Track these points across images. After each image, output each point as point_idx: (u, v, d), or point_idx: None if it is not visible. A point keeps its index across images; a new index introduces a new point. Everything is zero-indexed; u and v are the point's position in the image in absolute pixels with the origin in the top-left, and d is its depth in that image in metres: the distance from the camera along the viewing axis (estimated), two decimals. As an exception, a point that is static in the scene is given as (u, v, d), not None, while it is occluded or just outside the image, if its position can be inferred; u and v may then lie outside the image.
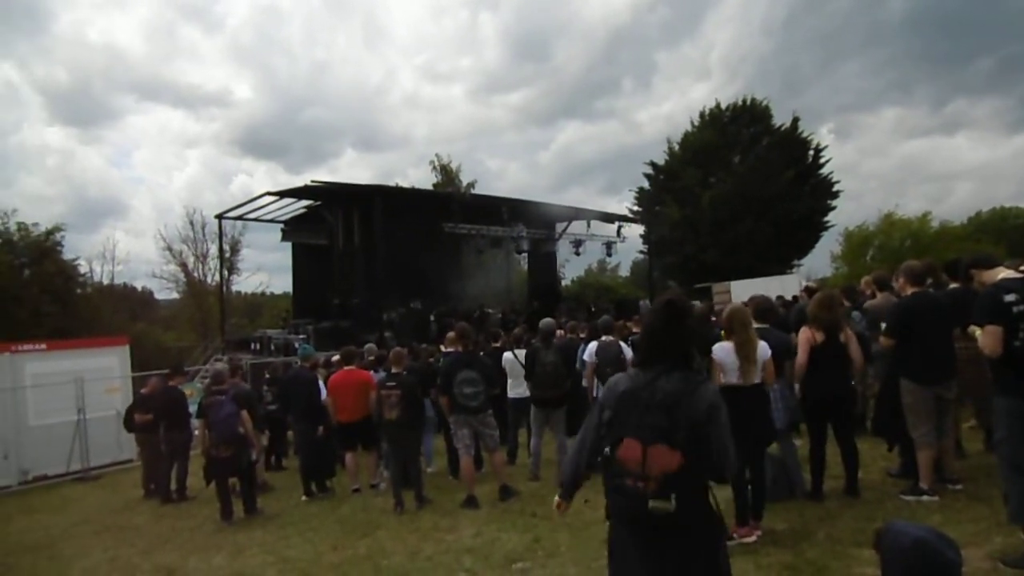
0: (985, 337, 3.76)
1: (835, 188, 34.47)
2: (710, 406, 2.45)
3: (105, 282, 34.87)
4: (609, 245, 26.30)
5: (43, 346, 12.66)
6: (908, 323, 5.04)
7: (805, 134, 34.44)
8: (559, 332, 10.50)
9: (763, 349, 4.83)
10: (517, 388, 7.82)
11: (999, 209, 50.43)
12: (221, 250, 30.25)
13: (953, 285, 5.90)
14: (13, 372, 11.48)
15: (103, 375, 12.34)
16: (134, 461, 11.35)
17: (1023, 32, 70.66)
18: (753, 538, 4.61)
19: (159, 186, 75.32)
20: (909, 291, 5.23)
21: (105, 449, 11.94)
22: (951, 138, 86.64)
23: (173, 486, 8.84)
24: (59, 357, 12.38)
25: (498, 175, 79.52)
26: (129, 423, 9.77)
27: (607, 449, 2.47)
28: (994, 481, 4.87)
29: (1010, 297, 3.69)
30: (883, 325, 5.45)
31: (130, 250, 74.54)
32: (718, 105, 35.49)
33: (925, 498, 5.03)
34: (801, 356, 5.28)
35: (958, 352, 5.26)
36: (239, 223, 28.26)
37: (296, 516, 7.23)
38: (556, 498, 2.90)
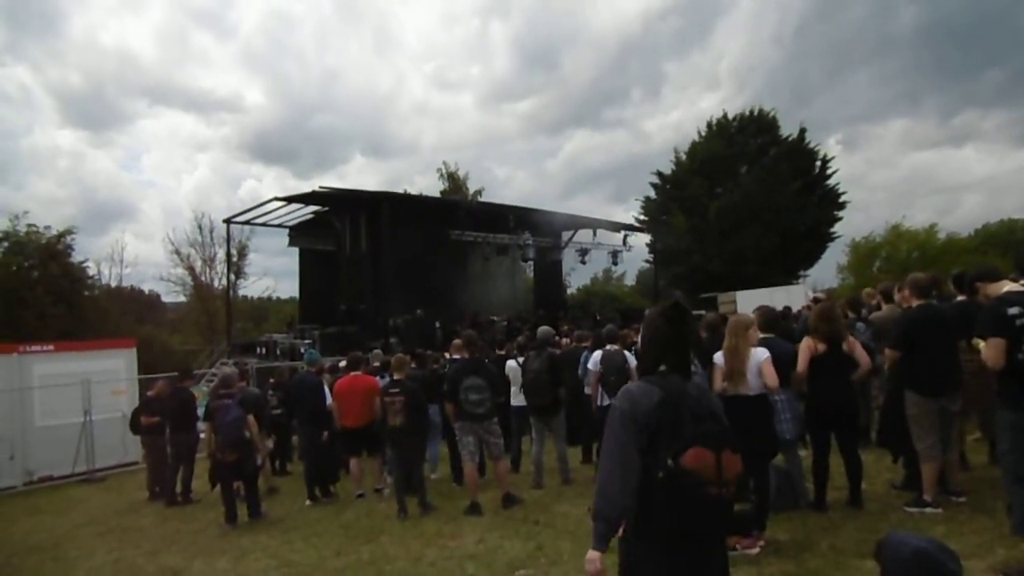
0: (988, 350, 3.77)
1: (842, 199, 34.47)
2: (721, 412, 2.53)
3: (113, 284, 35.02)
4: (615, 254, 26.34)
5: (51, 347, 12.73)
6: (913, 336, 5.05)
7: (812, 145, 34.50)
8: (564, 341, 10.55)
9: (756, 355, 4.84)
10: (519, 396, 7.87)
11: (1006, 221, 50.25)
12: (229, 254, 30.40)
13: (960, 298, 5.90)
14: (21, 373, 11.54)
15: (110, 377, 12.40)
16: (139, 463, 11.39)
17: (1033, 45, 70.67)
18: (756, 550, 4.61)
19: (168, 190, 75.96)
20: (914, 303, 5.23)
21: (110, 451, 12.00)
22: (959, 150, 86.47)
23: (178, 488, 8.87)
24: (66, 359, 12.45)
25: (505, 183, 79.65)
26: (135, 425, 9.82)
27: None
28: (998, 493, 4.87)
29: (1014, 310, 3.71)
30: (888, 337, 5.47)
31: (138, 253, 75.03)
32: (725, 115, 35.58)
33: (928, 510, 5.03)
34: (801, 365, 5.27)
35: (963, 364, 5.26)
36: (247, 228, 28.32)
37: (300, 521, 7.25)
38: (591, 553, 2.50)
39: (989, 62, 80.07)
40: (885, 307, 7.04)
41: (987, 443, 6.23)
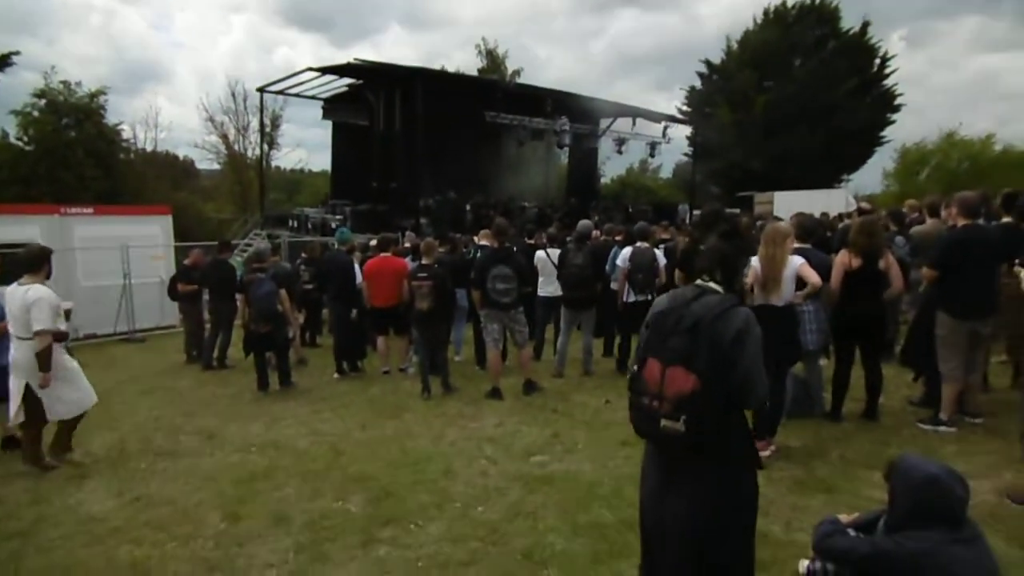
0: (1032, 278, 3.67)
1: (897, 101, 32.87)
2: (739, 332, 2.39)
3: (148, 149, 35.20)
4: (653, 145, 25.59)
5: (90, 210, 12.95)
6: (955, 258, 4.92)
7: (874, 41, 32.50)
8: (595, 233, 10.47)
9: (792, 263, 4.77)
10: (548, 287, 7.92)
11: (1070, 135, 47.63)
12: (262, 124, 30.19)
13: (1006, 219, 5.70)
14: (63, 234, 11.84)
15: (147, 243, 12.68)
16: (176, 327, 11.85)
17: None
18: (767, 453, 4.73)
19: (201, 53, 74.16)
20: (960, 223, 5.06)
21: (150, 313, 12.49)
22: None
23: (215, 354, 9.26)
24: (106, 222, 12.70)
25: (545, 64, 76.68)
26: (173, 292, 10.13)
27: (635, 367, 2.53)
28: (1014, 417, 4.90)
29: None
30: (928, 254, 5.34)
31: (172, 118, 74.02)
32: (784, 3, 33.44)
33: (943, 429, 5.09)
34: (834, 281, 5.22)
35: (1001, 288, 5.16)
36: (280, 98, 27.93)
37: (328, 393, 7.56)
38: None
39: (1080, -43, 73.25)
40: (929, 221, 6.83)
41: (1012, 367, 6.20)
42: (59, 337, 5.13)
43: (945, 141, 32.04)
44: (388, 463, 5.13)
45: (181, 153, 43.02)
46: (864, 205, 10.23)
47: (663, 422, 2.37)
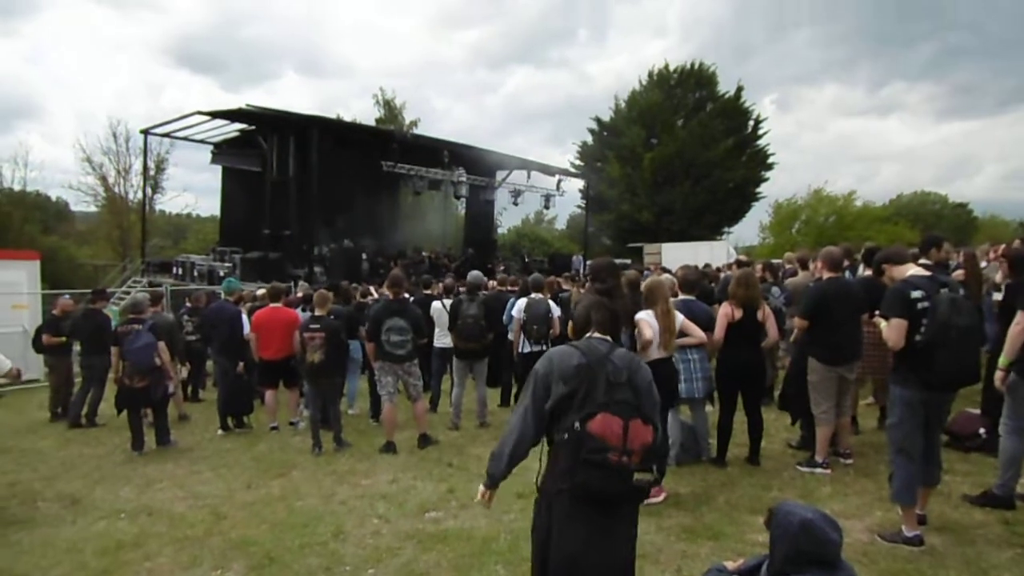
0: (890, 330, 3.98)
1: (770, 160, 35.41)
2: (649, 382, 2.59)
3: (16, 188, 32.76)
4: (548, 197, 26.32)
5: (-56, 254, 11.89)
6: (820, 307, 5.29)
7: (747, 104, 35.07)
8: (492, 283, 10.57)
9: (678, 318, 5.18)
10: (444, 338, 7.90)
11: (919, 193, 52.83)
12: (145, 167, 28.71)
13: (867, 272, 6.22)
14: (-91, 280, 10.78)
15: (10, 290, 11.72)
16: (40, 382, 10.92)
17: (966, 22, 73.27)
18: (659, 499, 4.84)
19: (80, 90, 70.67)
20: (825, 275, 5.46)
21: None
22: (884, 120, 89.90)
23: (84, 411, 8.56)
24: (-37, 268, 11.68)
25: (443, 115, 78.15)
26: (37, 343, 9.36)
27: (576, 424, 2.45)
28: (882, 458, 5.25)
29: (917, 293, 3.91)
30: (798, 305, 5.73)
31: (45, 157, 69.67)
32: (667, 66, 35.71)
33: (819, 471, 5.38)
34: (718, 332, 5.52)
35: (864, 336, 5.58)
36: (167, 140, 26.81)
37: (210, 451, 7.14)
38: (482, 487, 2.86)
39: (922, 37, 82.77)
40: (801, 274, 7.34)
41: (878, 409, 6.67)
42: None
43: (813, 197, 34.78)
44: (273, 526, 4.86)
45: (54, 194, 40.38)
46: (742, 257, 10.89)
47: (636, 475, 2.41)
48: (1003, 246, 7.87)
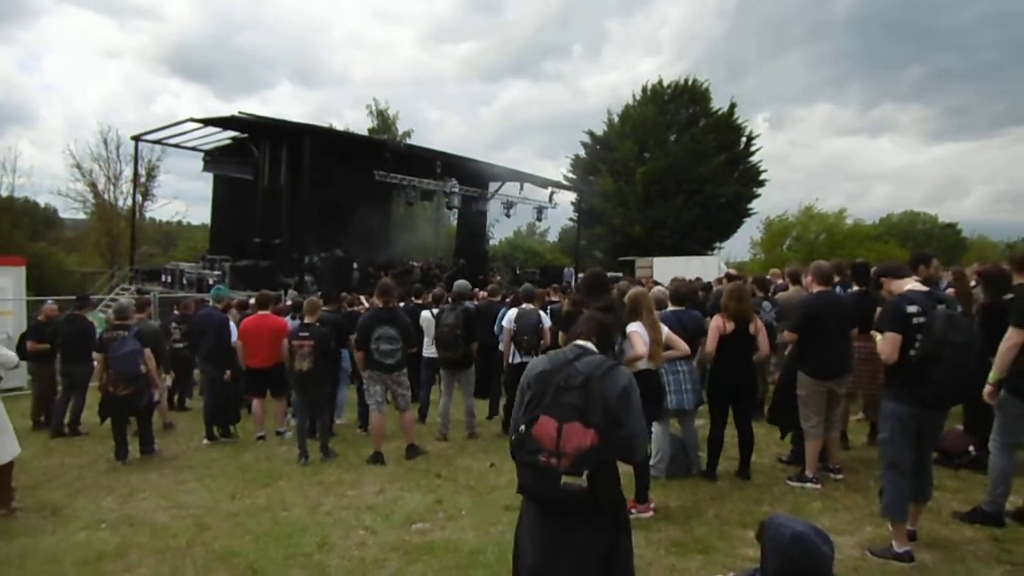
0: (884, 344, 3.97)
1: (762, 176, 35.63)
2: (624, 389, 2.51)
3: (4, 194, 32.45)
4: (540, 210, 26.35)
5: (-72, 259, 11.76)
6: (810, 321, 5.28)
7: (740, 121, 35.35)
8: (482, 294, 10.54)
9: (663, 330, 5.21)
10: (432, 348, 7.85)
11: (909, 213, 53.24)
12: (136, 174, 28.57)
13: (856, 287, 6.22)
14: None
15: (-5, 295, 11.60)
16: (23, 389, 10.77)
17: (955, 45, 74.32)
18: (649, 514, 4.80)
19: (72, 97, 70.47)
20: (815, 289, 5.46)
21: (-8, 374, 11.29)
22: (875, 140, 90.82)
23: (66, 419, 8.44)
24: (-57, 272, 11.55)
25: (437, 126, 78.33)
26: (21, 350, 9.23)
27: (522, 427, 2.49)
28: (872, 473, 5.24)
29: (912, 308, 3.90)
30: (788, 319, 5.72)
31: (34, 163, 69.21)
32: (660, 82, 35.99)
33: (808, 485, 5.35)
34: (710, 344, 5.51)
35: (855, 351, 5.58)
36: (157, 147, 26.71)
37: (195, 460, 7.04)
38: None
39: (912, 59, 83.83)
40: (791, 288, 7.33)
41: (869, 424, 6.65)
42: None
43: (804, 214, 35.02)
44: (258, 537, 4.78)
45: (43, 201, 40.06)
46: (732, 271, 10.89)
47: (564, 479, 2.36)
48: (980, 266, 7.90)
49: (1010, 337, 4.23)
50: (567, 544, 2.50)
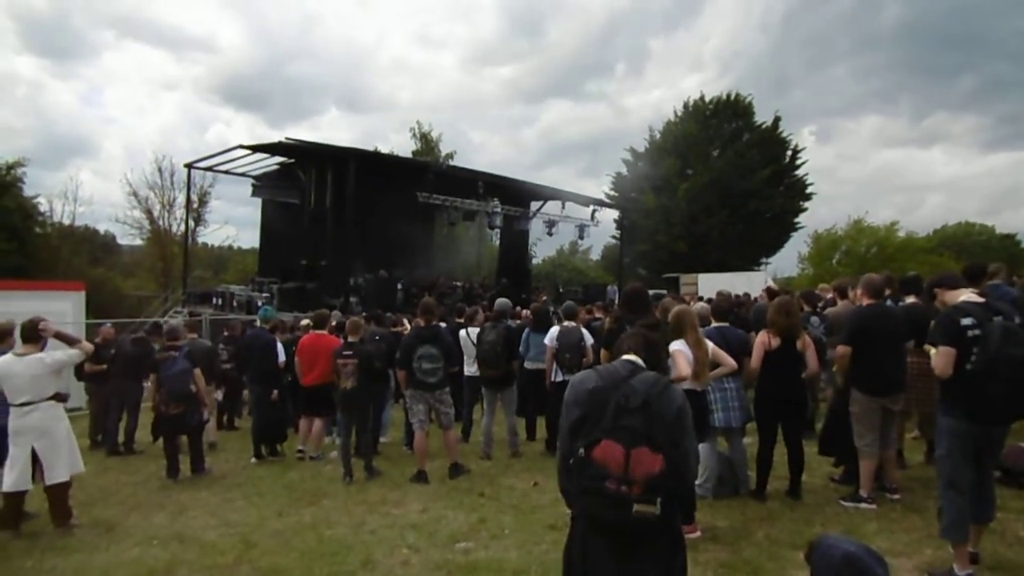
0: (939, 358, 3.82)
1: (809, 190, 35.01)
2: (679, 409, 2.40)
3: (66, 222, 33.84)
4: (582, 228, 26.29)
5: (-7, 285, 12.27)
6: (862, 334, 5.11)
7: (785, 134, 34.83)
8: (525, 313, 10.54)
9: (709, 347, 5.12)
10: (471, 367, 7.88)
11: (963, 224, 51.57)
12: (188, 200, 29.62)
13: (909, 300, 6.01)
14: (-38, 309, 11.12)
15: (56, 319, 11.97)
16: (82, 409, 11.12)
17: (1009, 53, 72.21)
18: (696, 535, 4.68)
19: (132, 128, 73.23)
20: (866, 303, 5.30)
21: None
22: (927, 151, 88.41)
23: (121, 439, 8.69)
24: (11, 297, 11.96)
25: (479, 148, 79.00)
26: (79, 371, 9.56)
27: (581, 451, 2.35)
28: (931, 493, 5.02)
29: (967, 321, 3.75)
30: (839, 333, 5.55)
31: (95, 192, 72.28)
32: (702, 97, 35.74)
33: (864, 506, 5.15)
34: (754, 361, 5.37)
35: (909, 366, 5.39)
36: (209, 174, 27.57)
37: (243, 478, 7.17)
38: None
39: (965, 67, 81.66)
40: (840, 303, 7.15)
41: (925, 443, 6.40)
42: (60, 398, 5.66)
43: (853, 228, 34.16)
44: (303, 554, 4.82)
45: (102, 228, 41.61)
46: (772, 286, 10.64)
47: (636, 507, 2.24)
48: None
49: None
50: (633, 570, 2.39)
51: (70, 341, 5.88)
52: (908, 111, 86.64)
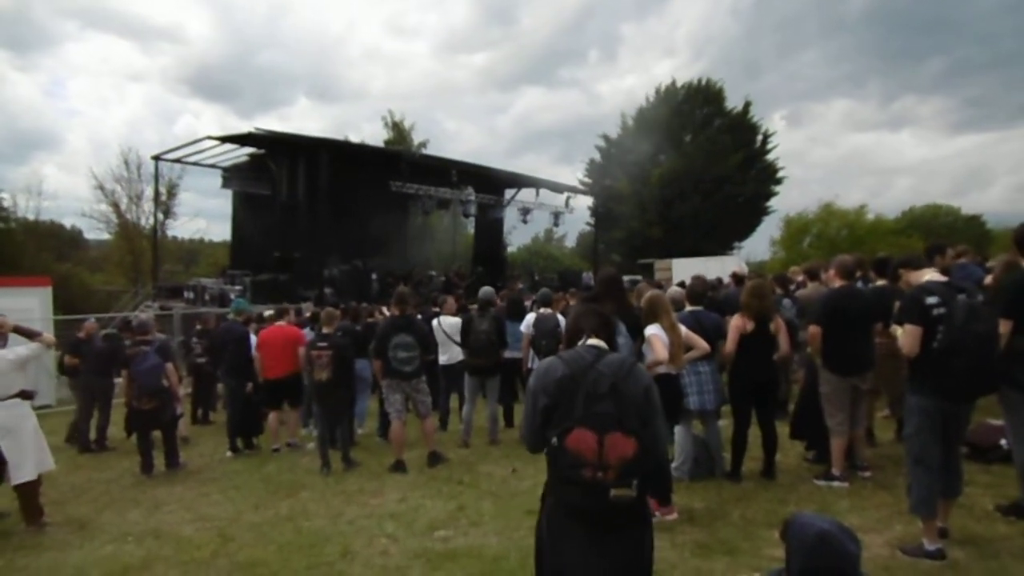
0: (905, 336, 3.89)
1: (780, 174, 35.30)
2: (646, 388, 2.44)
3: (31, 218, 33.03)
4: (557, 215, 26.29)
5: (-47, 281, 11.97)
6: (833, 315, 5.19)
7: (756, 119, 35.06)
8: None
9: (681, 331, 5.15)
10: (444, 355, 7.86)
11: (931, 206, 52.40)
12: (156, 193, 28.96)
13: (880, 282, 6.11)
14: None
15: (22, 316, 11.70)
16: (52, 407, 10.94)
17: (976, 36, 73.41)
18: (673, 516, 4.74)
19: (97, 121, 71.75)
20: (837, 284, 5.38)
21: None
22: (896, 134, 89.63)
23: (92, 435, 8.55)
24: (-30, 294, 11.72)
25: (453, 136, 78.63)
26: (62, 365, 9.41)
27: (554, 440, 2.36)
28: (900, 470, 5.10)
29: (932, 300, 3.82)
30: (810, 314, 5.63)
31: (60, 186, 70.61)
32: (674, 83, 35.80)
33: (836, 484, 5.25)
34: (730, 345, 5.45)
35: (877, 347, 5.48)
36: (178, 166, 27.05)
37: (218, 472, 7.11)
38: None
39: (932, 50, 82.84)
40: (810, 285, 7.25)
41: (895, 421, 6.53)
42: (27, 395, 5.55)
43: (824, 211, 34.61)
44: (281, 546, 4.80)
45: (68, 222, 40.76)
46: (739, 270, 10.75)
47: (613, 491, 2.27)
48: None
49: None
50: (609, 553, 2.41)
51: (30, 335, 5.74)
52: (877, 94, 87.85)
